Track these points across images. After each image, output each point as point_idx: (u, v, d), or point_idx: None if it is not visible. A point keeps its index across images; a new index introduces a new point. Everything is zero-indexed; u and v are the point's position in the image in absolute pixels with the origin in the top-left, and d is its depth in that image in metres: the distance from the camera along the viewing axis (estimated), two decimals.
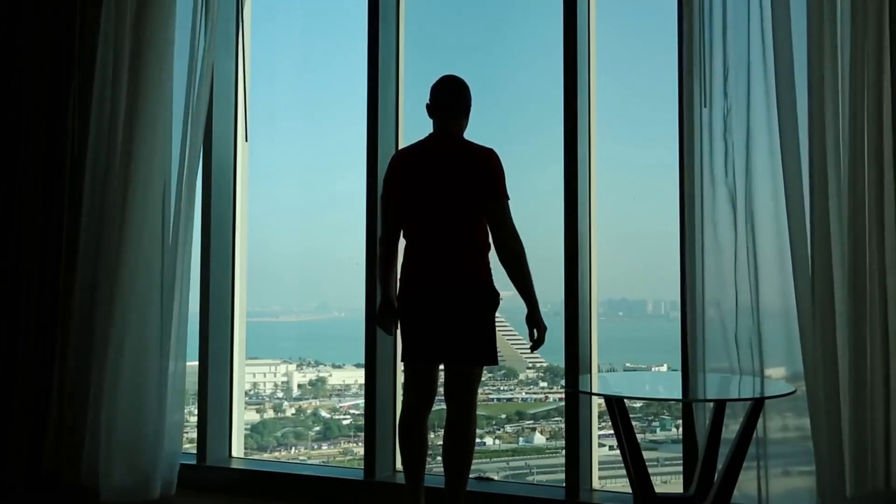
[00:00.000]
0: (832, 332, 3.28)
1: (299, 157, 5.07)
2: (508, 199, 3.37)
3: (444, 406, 3.44)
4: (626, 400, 3.18)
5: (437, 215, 3.39)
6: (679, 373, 3.73)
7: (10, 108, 4.60)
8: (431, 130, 3.53)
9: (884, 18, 3.35)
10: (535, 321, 3.39)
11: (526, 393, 4.74)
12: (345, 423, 4.99)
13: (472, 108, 3.55)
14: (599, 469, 4.02)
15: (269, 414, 5.10)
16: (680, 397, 3.75)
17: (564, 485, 3.89)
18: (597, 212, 4.07)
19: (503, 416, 4.73)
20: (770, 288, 3.48)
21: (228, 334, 4.62)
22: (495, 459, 4.57)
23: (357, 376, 4.83)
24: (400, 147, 4.32)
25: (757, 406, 3.12)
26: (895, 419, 3.28)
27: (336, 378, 5.05)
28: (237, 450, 4.63)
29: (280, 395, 5.12)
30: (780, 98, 3.38)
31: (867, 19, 3.34)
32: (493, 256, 3.41)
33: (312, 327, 5.16)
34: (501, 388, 4.77)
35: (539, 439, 4.63)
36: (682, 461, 3.76)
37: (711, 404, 3.42)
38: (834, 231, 3.35)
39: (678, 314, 3.75)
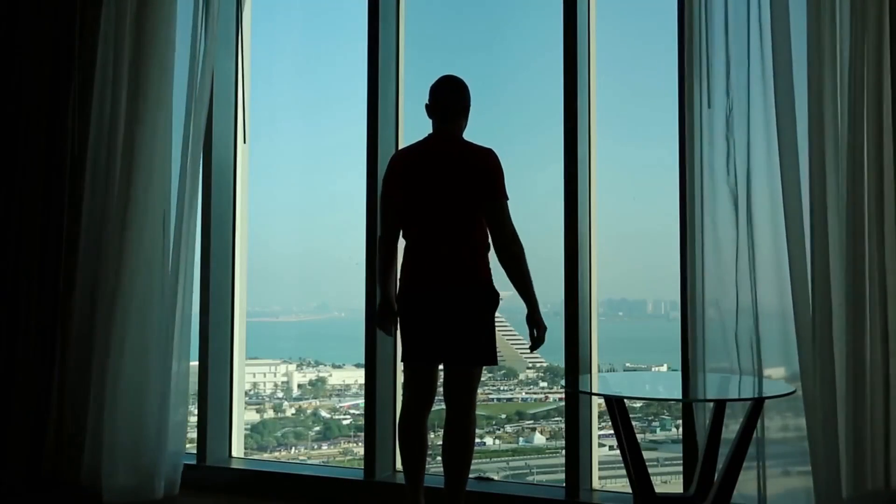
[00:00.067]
0: (829, 332, 3.28)
1: (299, 157, 5.07)
2: (508, 199, 3.37)
3: (443, 406, 3.44)
4: (626, 400, 3.18)
5: (436, 215, 3.39)
6: (679, 373, 3.73)
7: (10, 109, 4.60)
8: (431, 130, 3.53)
9: (884, 18, 3.35)
10: (534, 321, 3.39)
11: (526, 393, 4.74)
12: (345, 423, 4.98)
13: (471, 108, 3.55)
14: (599, 469, 4.02)
15: (269, 414, 5.10)
16: (680, 397, 3.75)
17: (564, 485, 3.89)
18: (597, 212, 4.07)
19: (503, 416, 4.73)
20: (770, 288, 3.48)
21: (228, 334, 4.62)
22: (495, 459, 4.57)
23: (357, 376, 4.83)
24: (400, 147, 4.32)
25: (757, 406, 3.12)
26: (895, 419, 3.28)
27: (336, 378, 5.05)
28: (237, 450, 4.63)
29: (280, 395, 5.12)
30: (779, 98, 3.38)
31: (867, 18, 3.34)
32: (492, 256, 3.41)
33: (312, 327, 5.16)
34: (501, 388, 4.77)
35: (539, 439, 4.63)
36: (682, 461, 3.76)
37: (711, 404, 3.42)
38: (833, 231, 3.35)
39: (678, 314, 3.75)
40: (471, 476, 3.45)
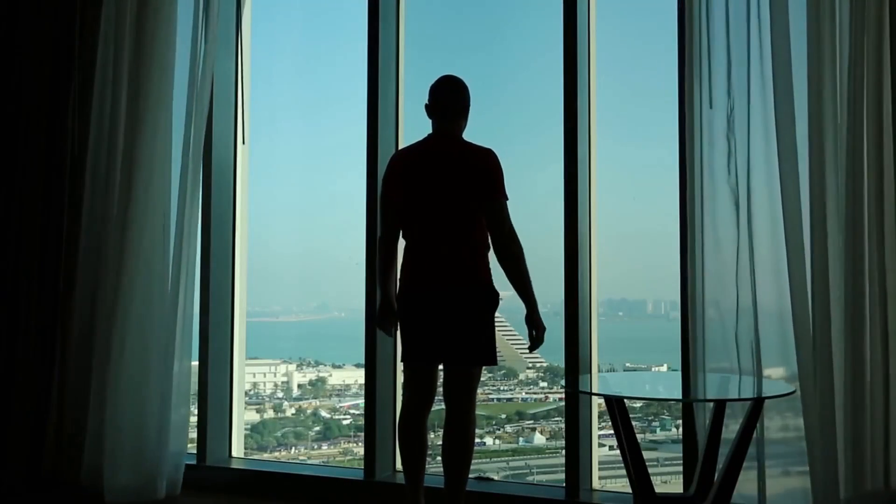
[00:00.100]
0: (828, 332, 3.28)
1: (299, 157, 5.07)
2: (507, 198, 3.37)
3: (443, 406, 3.44)
4: (626, 400, 3.18)
5: (436, 215, 3.39)
6: (679, 373, 3.73)
7: (10, 109, 4.59)
8: (431, 130, 3.53)
9: (883, 19, 3.35)
10: (533, 321, 3.38)
11: (526, 393, 4.74)
12: (345, 423, 4.98)
13: (471, 108, 3.55)
14: (599, 469, 4.02)
15: (269, 414, 5.10)
16: (680, 397, 3.75)
17: (564, 485, 3.89)
18: (597, 212, 4.07)
19: (503, 416, 4.73)
20: (770, 288, 3.48)
21: (228, 334, 4.62)
22: (495, 459, 4.57)
23: (357, 376, 4.83)
24: (400, 147, 4.32)
25: (757, 406, 3.12)
26: (894, 419, 3.28)
27: (336, 378, 5.05)
28: (237, 450, 4.63)
29: (280, 395, 5.12)
30: (778, 98, 3.38)
31: (867, 18, 3.34)
32: (492, 256, 3.41)
33: (312, 327, 5.16)
34: (501, 388, 4.77)
35: (539, 439, 4.63)
36: (682, 461, 3.76)
37: (711, 404, 3.42)
38: (832, 231, 3.35)
39: (678, 314, 3.75)
40: (471, 476, 3.45)
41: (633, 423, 3.24)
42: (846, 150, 3.34)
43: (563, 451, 3.92)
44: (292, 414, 5.11)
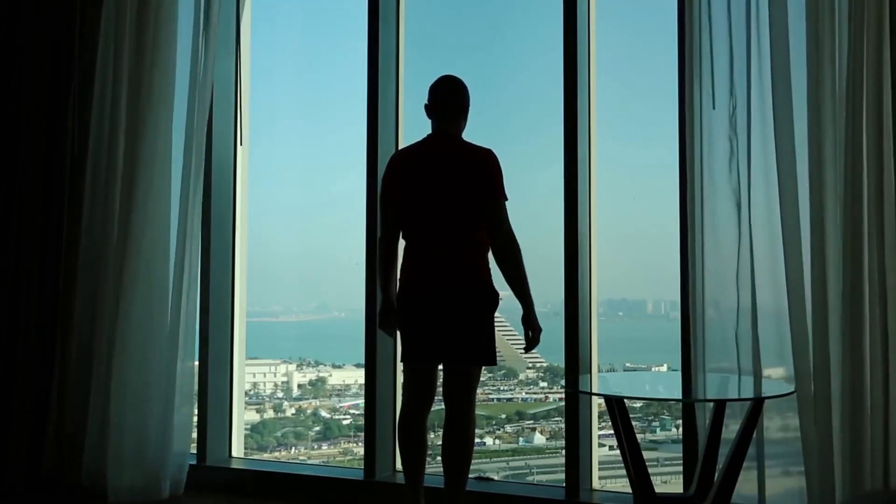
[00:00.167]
0: (826, 333, 3.28)
1: (299, 157, 5.07)
2: (507, 199, 3.37)
3: (443, 406, 3.44)
4: (626, 400, 3.18)
5: (436, 215, 3.39)
6: (679, 373, 3.73)
7: (10, 109, 4.59)
8: (430, 131, 3.53)
9: (883, 19, 3.35)
10: (530, 322, 3.39)
11: (526, 393, 4.74)
12: (345, 423, 4.98)
13: (471, 108, 3.55)
14: (599, 469, 4.02)
15: (269, 414, 5.10)
16: (680, 397, 3.75)
17: (564, 485, 3.89)
18: (597, 212, 4.06)
19: (503, 416, 4.73)
20: (770, 288, 3.48)
21: (228, 334, 4.62)
22: (495, 459, 4.57)
23: (357, 376, 4.83)
24: (399, 147, 4.32)
25: (757, 406, 3.12)
26: (894, 419, 3.28)
27: (336, 378, 5.05)
28: (237, 450, 4.63)
29: (280, 395, 5.12)
30: (778, 98, 3.38)
31: (867, 17, 3.34)
32: (491, 256, 3.41)
33: (312, 327, 5.16)
34: (501, 388, 4.77)
35: (539, 439, 4.62)
36: (682, 461, 3.76)
37: (711, 404, 3.42)
38: (832, 231, 3.36)
39: (678, 314, 3.75)
40: (471, 476, 3.45)
41: (633, 423, 3.24)
42: (845, 149, 3.34)
43: (563, 451, 3.92)
44: (292, 414, 5.11)
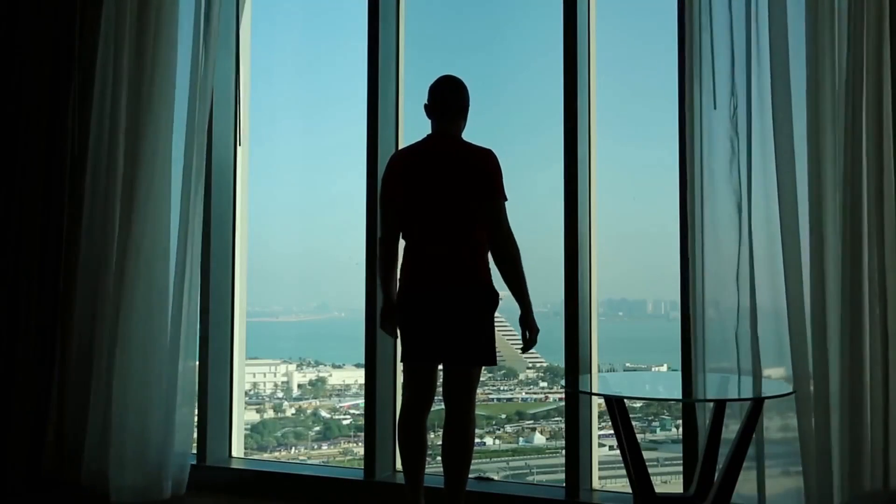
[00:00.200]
0: (825, 333, 3.28)
1: (299, 157, 5.07)
2: (506, 199, 3.37)
3: (443, 406, 3.44)
4: (626, 400, 3.18)
5: (436, 215, 3.39)
6: (679, 373, 3.73)
7: (10, 109, 4.59)
8: (430, 131, 3.53)
9: (883, 17, 3.35)
10: (527, 323, 3.39)
11: (526, 393, 4.74)
12: (345, 423, 4.98)
13: (471, 108, 3.55)
14: (599, 469, 4.02)
15: (269, 414, 5.10)
16: (680, 397, 3.75)
17: (564, 485, 3.89)
18: (597, 212, 4.06)
19: (503, 416, 4.73)
20: (770, 288, 3.48)
21: (228, 334, 4.62)
22: (495, 459, 4.57)
23: (357, 376, 4.83)
24: (399, 147, 4.32)
25: (757, 406, 3.12)
26: (894, 420, 3.28)
27: (336, 378, 5.05)
28: (237, 450, 4.63)
29: (280, 395, 5.12)
30: (777, 98, 3.38)
31: (867, 17, 3.33)
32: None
33: (312, 327, 5.16)
34: (501, 388, 4.77)
35: (539, 439, 4.62)
36: (682, 461, 3.76)
37: (711, 404, 3.42)
38: (831, 231, 3.36)
39: (678, 314, 3.75)
40: (471, 476, 3.45)
41: (633, 423, 3.24)
42: (845, 149, 3.34)
43: (563, 451, 3.92)
44: (292, 414, 5.11)
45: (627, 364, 4.56)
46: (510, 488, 4.04)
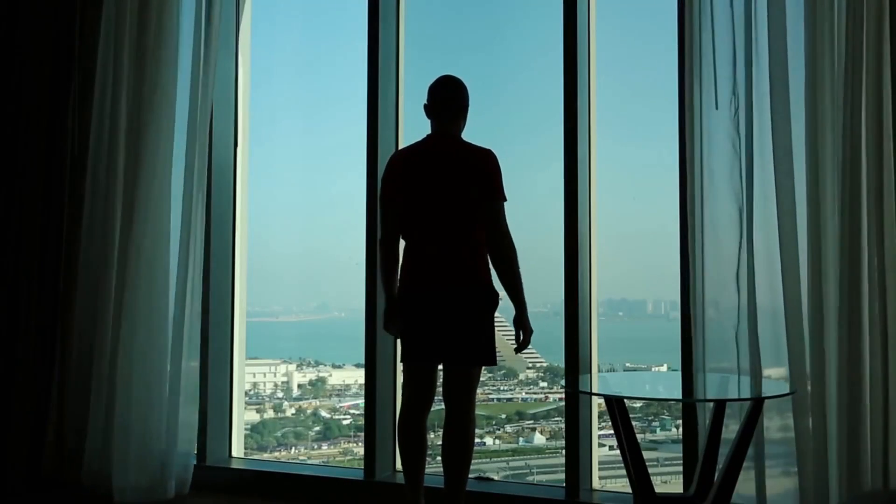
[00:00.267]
0: (821, 333, 3.29)
1: (299, 157, 5.07)
2: (506, 199, 3.37)
3: (443, 406, 3.44)
4: (626, 400, 3.18)
5: (436, 216, 3.39)
6: (679, 373, 3.73)
7: (10, 109, 4.59)
8: (430, 131, 3.53)
9: (883, 18, 3.35)
10: (522, 323, 3.40)
11: (526, 393, 4.74)
12: (345, 423, 4.98)
13: (471, 108, 3.55)
14: (599, 469, 4.02)
15: (269, 414, 5.10)
16: (680, 397, 3.75)
17: (564, 485, 3.89)
18: (597, 212, 4.07)
19: (503, 416, 4.73)
20: (770, 288, 3.48)
21: (228, 334, 4.62)
22: (495, 459, 4.57)
23: (357, 376, 4.83)
24: (399, 147, 4.32)
25: (757, 406, 3.12)
26: (893, 420, 3.28)
27: (336, 378, 5.05)
28: (237, 450, 4.63)
29: (280, 395, 5.12)
30: (777, 98, 3.39)
31: (867, 17, 3.34)
32: None
33: (312, 327, 5.16)
34: (501, 388, 4.77)
35: (539, 439, 4.63)
36: (682, 461, 3.76)
37: (711, 404, 3.42)
38: (831, 231, 3.36)
39: (678, 314, 3.75)
40: (471, 476, 3.45)
41: (633, 423, 3.24)
42: (843, 149, 3.34)
43: (563, 451, 3.92)
44: (292, 414, 5.11)
45: (627, 364, 4.56)
46: (510, 488, 4.04)
